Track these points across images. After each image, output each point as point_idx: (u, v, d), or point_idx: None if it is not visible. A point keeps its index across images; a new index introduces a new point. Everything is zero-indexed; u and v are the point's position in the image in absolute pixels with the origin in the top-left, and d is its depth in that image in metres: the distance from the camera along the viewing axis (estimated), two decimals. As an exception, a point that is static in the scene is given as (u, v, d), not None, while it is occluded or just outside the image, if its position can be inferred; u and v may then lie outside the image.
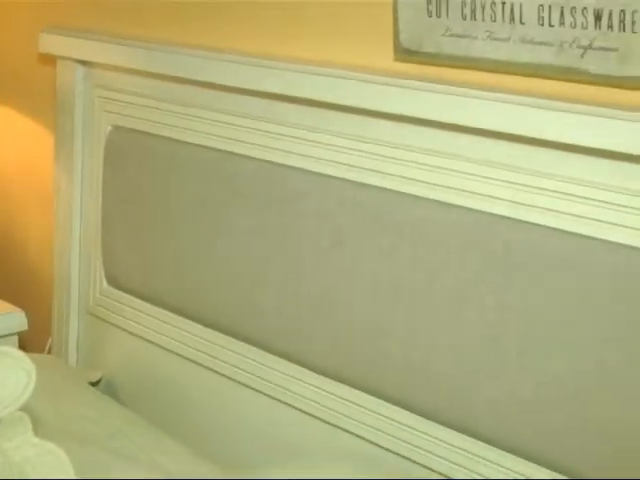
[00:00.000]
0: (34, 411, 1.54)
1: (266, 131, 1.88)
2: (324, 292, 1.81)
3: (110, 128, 2.20)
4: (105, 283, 2.26)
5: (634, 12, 1.37)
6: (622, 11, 1.38)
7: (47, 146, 2.41)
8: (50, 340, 2.44)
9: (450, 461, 1.66)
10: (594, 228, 1.45)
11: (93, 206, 2.26)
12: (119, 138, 2.19)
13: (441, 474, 1.68)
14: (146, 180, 2.12)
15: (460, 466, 1.65)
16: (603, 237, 1.44)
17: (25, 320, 2.35)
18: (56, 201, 2.35)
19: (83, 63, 2.25)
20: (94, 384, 2.24)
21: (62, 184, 2.32)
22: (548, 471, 1.53)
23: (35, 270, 2.56)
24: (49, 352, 2.45)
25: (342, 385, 1.81)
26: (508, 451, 1.59)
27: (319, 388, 1.85)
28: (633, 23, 1.38)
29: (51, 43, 2.28)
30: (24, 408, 1.42)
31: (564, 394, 1.50)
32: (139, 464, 1.73)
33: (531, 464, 1.56)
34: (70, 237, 2.32)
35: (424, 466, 1.70)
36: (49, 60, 2.34)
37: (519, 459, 1.58)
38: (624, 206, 1.42)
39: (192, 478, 1.59)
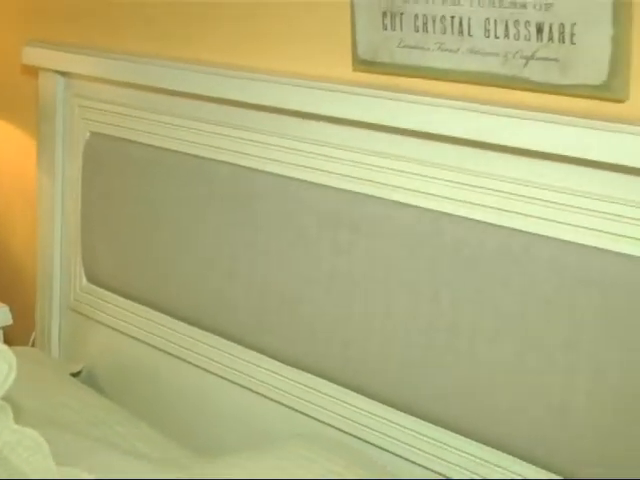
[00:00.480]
0: (16, 400, 1.53)
1: (234, 137, 1.88)
2: (288, 286, 1.81)
3: (88, 134, 2.20)
4: (85, 280, 2.25)
5: (573, 25, 1.38)
6: (562, 24, 1.40)
7: (30, 151, 2.40)
8: (34, 334, 2.43)
9: (404, 442, 1.67)
10: (536, 225, 1.46)
11: (73, 207, 2.25)
12: (97, 144, 2.18)
13: (399, 456, 1.68)
14: (122, 183, 2.12)
15: (417, 448, 1.66)
16: (544, 233, 1.45)
17: (9, 315, 2.34)
18: (39, 202, 2.34)
19: (63, 74, 2.25)
20: (75, 375, 2.23)
21: (44, 186, 2.32)
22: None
23: (19, 268, 2.55)
24: (33, 345, 2.44)
25: (305, 373, 1.81)
26: (454, 431, 1.60)
27: (283, 376, 1.85)
28: (572, 35, 1.39)
29: (34, 56, 2.28)
30: (6, 397, 1.41)
31: (511, 379, 1.51)
32: (118, 450, 1.72)
33: (479, 444, 1.58)
34: (52, 236, 2.31)
35: (381, 448, 1.70)
36: (32, 71, 2.33)
37: (460, 437, 1.59)
38: (565, 205, 1.43)
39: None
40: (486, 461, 1.57)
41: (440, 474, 1.63)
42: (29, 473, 1.39)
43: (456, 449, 1.61)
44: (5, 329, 2.36)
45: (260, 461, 1.62)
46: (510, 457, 1.54)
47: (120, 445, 1.78)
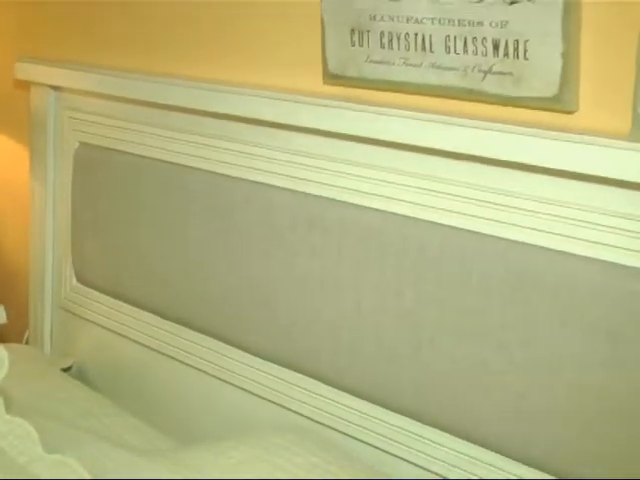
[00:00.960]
0: (8, 393, 1.53)
1: (215, 146, 1.89)
2: (264, 286, 1.81)
3: (78, 144, 2.20)
4: (75, 280, 2.25)
5: (526, 42, 1.40)
6: (516, 41, 1.41)
7: (23, 160, 2.40)
8: (27, 332, 2.42)
9: (378, 433, 1.67)
10: (492, 227, 1.47)
11: (63, 212, 2.25)
12: (86, 153, 2.19)
13: (371, 445, 1.68)
14: (109, 189, 2.12)
15: (390, 439, 1.65)
16: (499, 235, 1.46)
17: (4, 314, 2.34)
18: (31, 208, 2.34)
19: (54, 88, 2.25)
20: (65, 370, 2.23)
21: (36, 193, 2.31)
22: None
23: (13, 269, 2.55)
24: (26, 343, 2.43)
25: (282, 368, 1.81)
26: (426, 423, 1.60)
27: (262, 371, 1.85)
28: (525, 51, 1.40)
29: (26, 71, 2.28)
30: (-2, 390, 1.42)
31: (471, 372, 1.51)
32: (106, 441, 1.72)
33: (445, 433, 1.59)
34: (44, 240, 2.31)
35: (356, 439, 1.70)
36: (24, 86, 2.33)
37: (427, 426, 1.60)
38: (517, 208, 1.44)
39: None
40: (464, 454, 1.56)
41: (418, 465, 1.63)
42: (21, 461, 1.39)
43: (433, 442, 1.60)
44: (0, 328, 2.36)
45: (243, 451, 1.62)
46: (476, 446, 1.54)
47: (108, 436, 1.78)
